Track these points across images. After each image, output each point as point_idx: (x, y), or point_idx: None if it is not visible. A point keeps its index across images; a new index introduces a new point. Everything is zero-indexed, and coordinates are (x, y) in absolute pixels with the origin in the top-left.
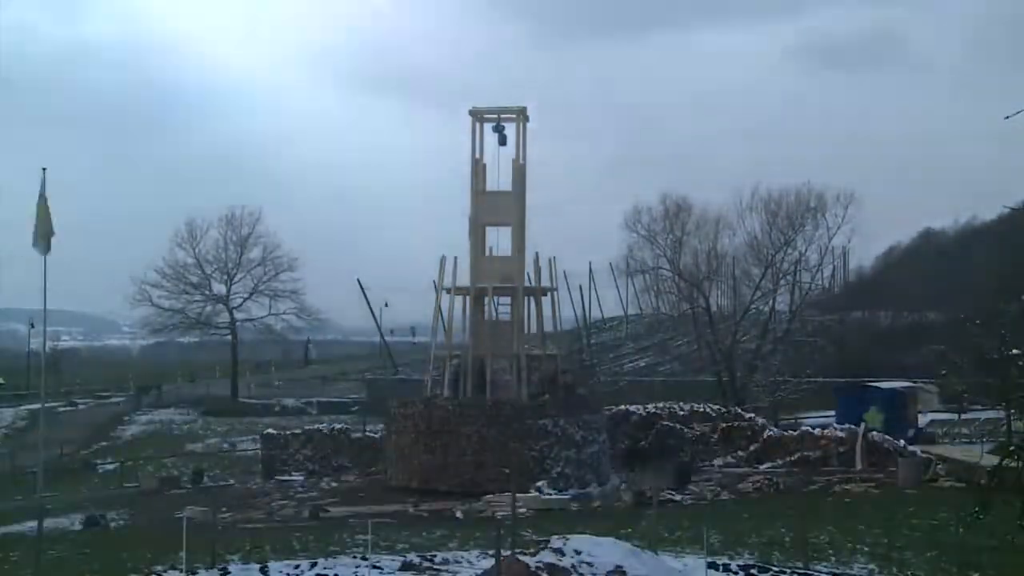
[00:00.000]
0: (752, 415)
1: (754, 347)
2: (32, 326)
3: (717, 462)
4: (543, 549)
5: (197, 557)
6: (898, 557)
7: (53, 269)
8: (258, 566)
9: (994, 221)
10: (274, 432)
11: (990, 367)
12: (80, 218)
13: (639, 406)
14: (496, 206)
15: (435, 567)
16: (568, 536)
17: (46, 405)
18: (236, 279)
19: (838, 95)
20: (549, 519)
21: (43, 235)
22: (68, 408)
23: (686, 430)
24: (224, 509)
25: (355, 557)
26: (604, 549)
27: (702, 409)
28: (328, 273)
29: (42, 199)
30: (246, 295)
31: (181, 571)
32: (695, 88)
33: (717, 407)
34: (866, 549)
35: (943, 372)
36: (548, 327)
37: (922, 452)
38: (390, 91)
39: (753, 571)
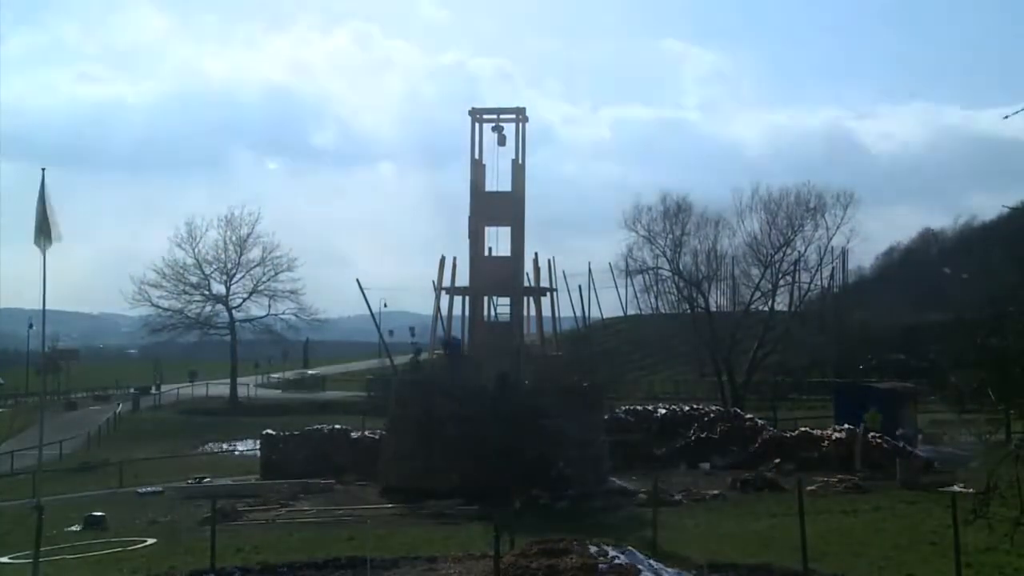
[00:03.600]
0: (751, 415)
1: (753, 347)
2: (31, 326)
3: (716, 462)
4: (544, 551)
5: (197, 558)
6: (897, 557)
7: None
8: (258, 567)
9: (994, 221)
10: (273, 433)
11: (991, 367)
12: None
13: (639, 406)
14: (495, 206)
15: (434, 567)
16: (569, 537)
17: (45, 406)
18: (235, 279)
19: None
20: (549, 520)
21: (44, 232)
22: (67, 408)
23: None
24: (224, 510)
25: (354, 557)
26: (604, 550)
27: (702, 409)
28: None
29: (41, 198)
30: (245, 295)
31: (181, 572)
32: None
33: (716, 407)
34: (865, 550)
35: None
36: (547, 327)
37: (922, 452)
38: None
39: (753, 573)
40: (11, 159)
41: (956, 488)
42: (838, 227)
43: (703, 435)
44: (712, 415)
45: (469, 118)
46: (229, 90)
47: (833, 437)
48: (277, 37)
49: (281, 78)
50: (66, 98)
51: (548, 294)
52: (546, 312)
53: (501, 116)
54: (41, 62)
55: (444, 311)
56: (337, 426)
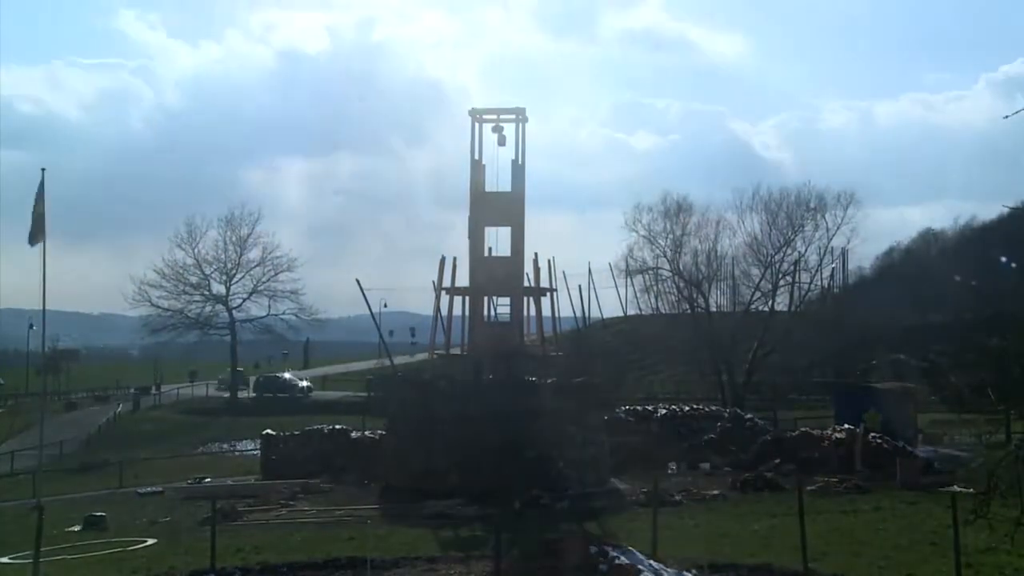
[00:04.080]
0: (751, 415)
1: (753, 347)
2: (32, 327)
3: (716, 462)
4: (544, 551)
5: (197, 558)
6: (897, 557)
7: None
8: (258, 567)
9: (994, 221)
10: (273, 433)
11: (991, 367)
12: None
13: (639, 406)
14: (496, 206)
15: (434, 567)
16: (569, 537)
17: (45, 406)
18: (235, 279)
19: None
20: (549, 520)
21: (37, 231)
22: (67, 409)
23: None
24: (224, 510)
25: (354, 557)
26: (604, 550)
27: (702, 409)
28: None
29: (39, 198)
30: (245, 295)
31: (181, 572)
32: None
33: (716, 408)
34: (865, 550)
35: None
36: (547, 327)
37: (921, 453)
38: None
39: (753, 573)
40: None
41: (956, 488)
42: (838, 227)
43: (711, 437)
44: (712, 415)
45: (469, 118)
46: None
47: (833, 437)
48: None
49: None
50: None
51: (548, 294)
52: (546, 312)
53: (501, 116)
54: None
55: (444, 311)
56: (337, 426)
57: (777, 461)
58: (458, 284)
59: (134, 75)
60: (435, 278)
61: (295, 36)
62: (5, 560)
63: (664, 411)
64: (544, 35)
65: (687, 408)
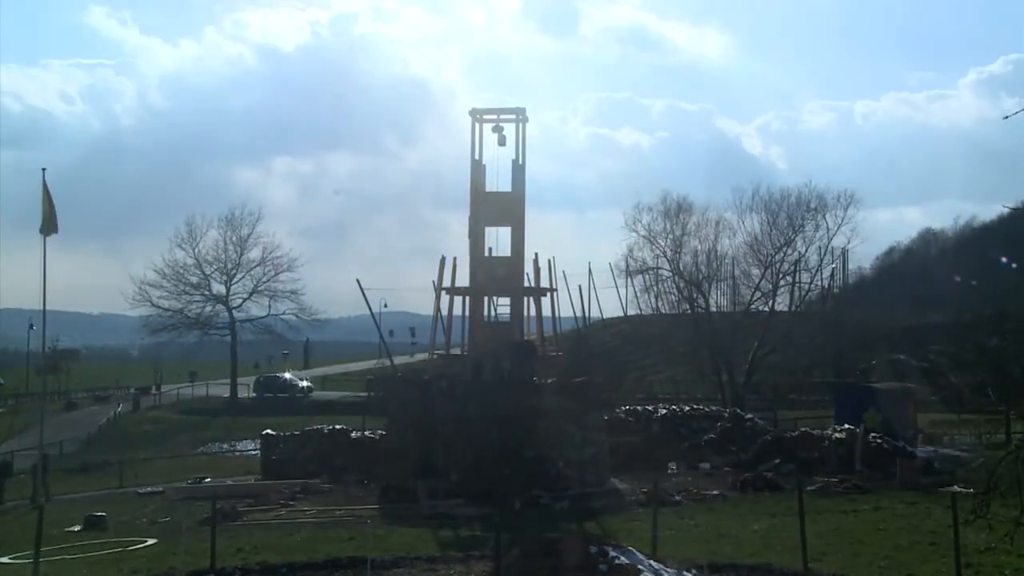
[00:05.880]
0: (751, 415)
1: (754, 347)
2: (32, 327)
3: (716, 462)
4: (544, 551)
5: (197, 558)
6: (897, 557)
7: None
8: (258, 567)
9: (994, 221)
10: (273, 433)
11: (991, 367)
12: None
13: (639, 406)
14: (496, 207)
15: (434, 567)
16: (569, 537)
17: (45, 406)
18: (236, 279)
19: None
20: (549, 520)
21: (48, 222)
22: (67, 408)
23: None
24: (224, 510)
25: (354, 557)
26: (604, 550)
27: (702, 409)
28: None
29: (45, 193)
30: (246, 295)
31: (181, 572)
32: None
33: (716, 408)
34: (865, 550)
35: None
36: (547, 327)
37: (921, 453)
38: None
39: (753, 573)
40: None
41: (956, 488)
42: (839, 227)
43: (711, 437)
44: (712, 415)
45: (469, 118)
46: None
47: (833, 437)
48: None
49: None
50: None
51: (548, 294)
52: (546, 312)
53: (501, 116)
54: None
55: (444, 311)
56: (337, 426)
57: (777, 461)
58: (458, 284)
59: (117, 72)
60: (435, 278)
61: (277, 33)
62: (5, 560)
63: (664, 411)
64: (529, 34)
65: (687, 408)
